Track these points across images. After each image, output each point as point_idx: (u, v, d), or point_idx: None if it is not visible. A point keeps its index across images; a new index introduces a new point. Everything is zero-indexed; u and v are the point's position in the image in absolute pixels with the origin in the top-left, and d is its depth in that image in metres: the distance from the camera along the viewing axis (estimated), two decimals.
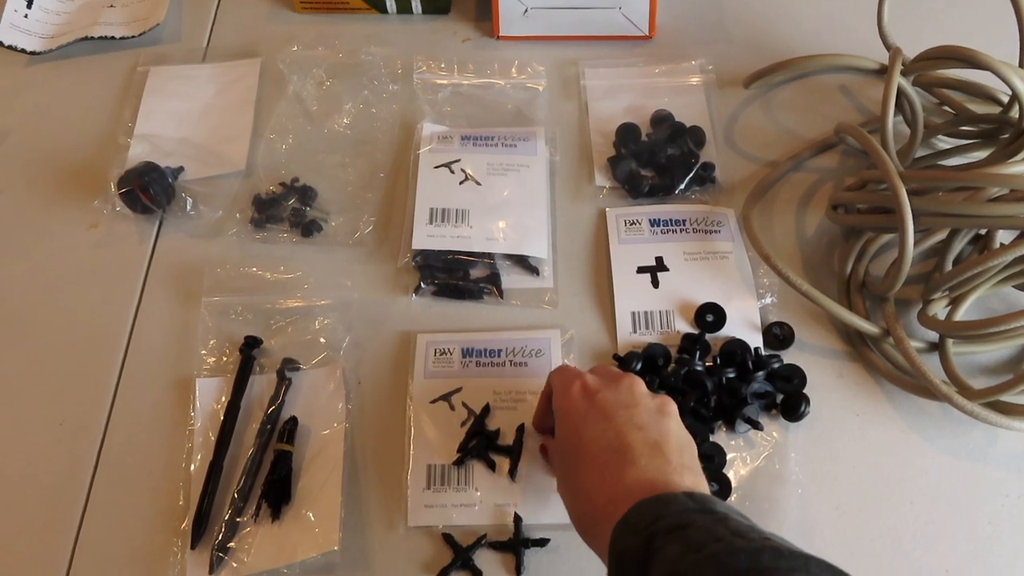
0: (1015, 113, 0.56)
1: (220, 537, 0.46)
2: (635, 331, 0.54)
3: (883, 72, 0.63)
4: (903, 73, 0.58)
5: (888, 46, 0.61)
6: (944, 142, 0.62)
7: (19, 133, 0.64)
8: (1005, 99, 0.59)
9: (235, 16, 0.71)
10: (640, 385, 0.43)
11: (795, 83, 0.66)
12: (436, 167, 0.59)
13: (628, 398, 0.41)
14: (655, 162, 0.60)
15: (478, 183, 0.59)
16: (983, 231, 0.55)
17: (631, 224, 0.58)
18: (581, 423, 0.41)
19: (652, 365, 0.52)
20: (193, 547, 0.46)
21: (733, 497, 0.48)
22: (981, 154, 0.60)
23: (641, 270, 0.56)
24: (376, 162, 0.61)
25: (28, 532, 0.47)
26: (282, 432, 0.49)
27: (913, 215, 0.50)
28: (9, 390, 0.52)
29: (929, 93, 0.63)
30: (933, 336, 0.54)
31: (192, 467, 0.48)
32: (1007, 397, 0.49)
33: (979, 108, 0.62)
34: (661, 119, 0.63)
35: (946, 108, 0.63)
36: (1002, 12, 0.55)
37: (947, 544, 0.47)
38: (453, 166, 0.59)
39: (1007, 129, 0.58)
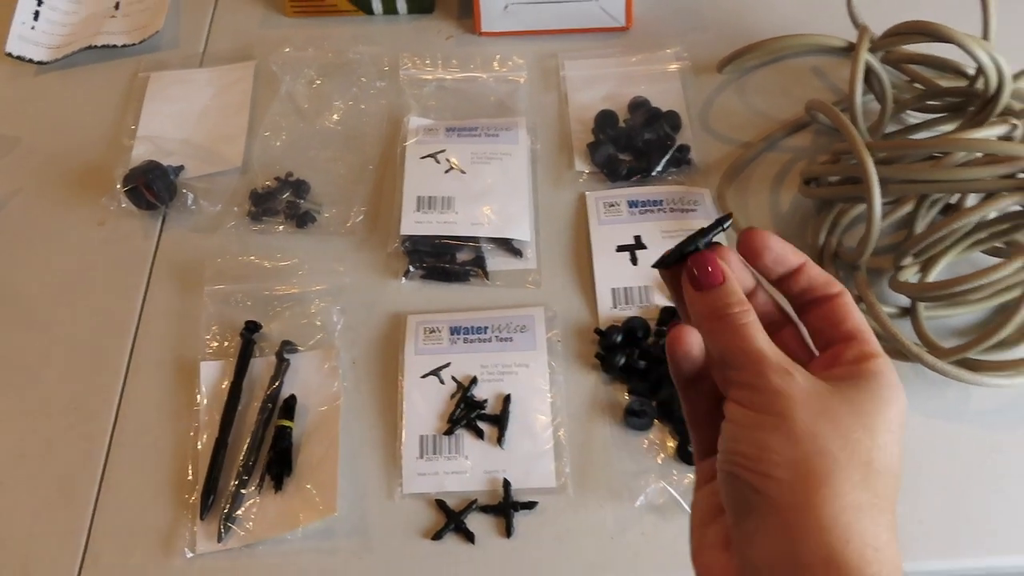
0: (981, 85, 0.58)
1: (227, 508, 0.48)
2: (615, 306, 0.56)
3: (852, 50, 0.65)
4: (871, 50, 0.61)
5: (856, 25, 0.63)
6: (914, 117, 0.64)
7: (30, 139, 0.67)
8: (971, 72, 0.61)
9: (230, 22, 0.74)
10: None
11: (768, 67, 0.69)
12: (422, 158, 0.62)
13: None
14: (632, 146, 0.63)
15: (463, 172, 0.61)
16: (953, 200, 0.58)
17: (610, 206, 0.61)
18: (899, 452, 0.27)
19: (633, 337, 0.54)
20: (202, 518, 0.48)
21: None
22: (950, 127, 0.62)
23: (620, 248, 0.59)
24: (365, 155, 0.64)
25: (48, 510, 0.50)
26: (282, 409, 0.52)
27: (881, 183, 0.53)
28: (26, 378, 0.55)
29: (898, 70, 0.65)
30: (905, 302, 0.56)
31: (199, 445, 0.51)
32: (975, 354, 0.52)
33: (946, 82, 0.64)
34: (638, 105, 0.65)
35: (916, 84, 0.65)
36: None
37: (922, 497, 0.49)
38: (439, 156, 0.62)
39: (974, 101, 0.60)
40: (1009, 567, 0.48)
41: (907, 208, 0.58)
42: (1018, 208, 0.54)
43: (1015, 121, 0.55)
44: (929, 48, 0.61)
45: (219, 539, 0.48)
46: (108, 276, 0.59)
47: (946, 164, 0.53)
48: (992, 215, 0.55)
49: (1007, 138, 0.55)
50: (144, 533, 0.49)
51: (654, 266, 0.31)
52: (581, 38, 0.70)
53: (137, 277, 0.59)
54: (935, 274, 0.55)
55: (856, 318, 0.30)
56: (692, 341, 0.31)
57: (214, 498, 0.49)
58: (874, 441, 0.27)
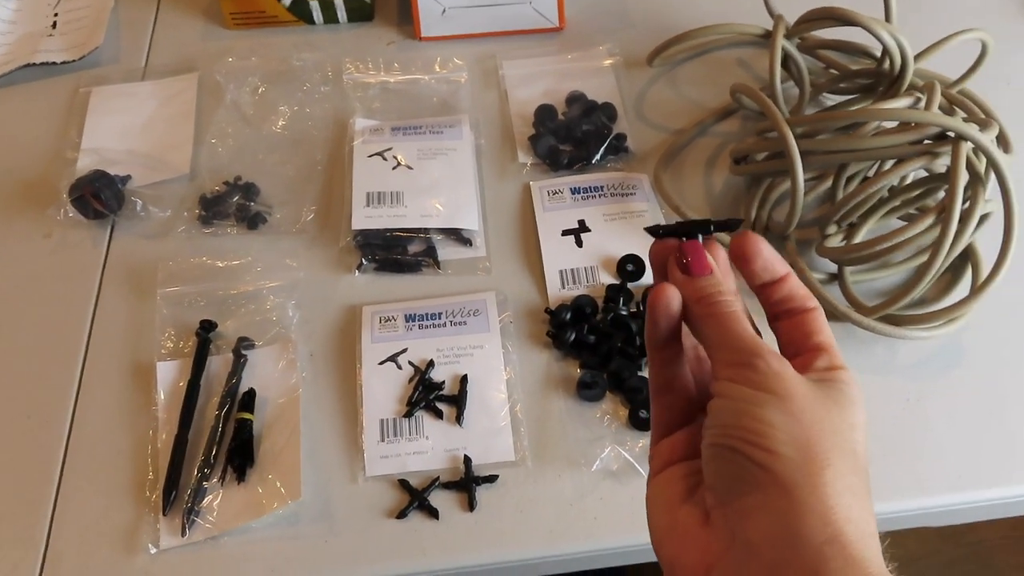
0: (887, 65, 0.63)
1: (190, 502, 0.49)
2: (564, 287, 0.58)
3: (769, 38, 0.70)
4: (787, 37, 0.65)
5: (772, 14, 0.67)
6: (830, 99, 0.69)
7: None
8: (878, 54, 0.65)
9: (170, 36, 0.75)
10: None
11: (695, 60, 0.73)
12: (370, 156, 0.64)
13: None
14: (572, 137, 0.66)
15: (410, 167, 0.63)
16: (871, 172, 0.62)
17: (554, 194, 0.63)
18: (865, 464, 0.28)
19: (581, 315, 0.57)
20: (164, 513, 0.48)
21: None
22: (862, 106, 0.67)
23: (566, 232, 0.61)
24: (313, 157, 0.65)
25: (6, 517, 0.50)
26: (242, 403, 0.52)
27: (802, 156, 0.56)
28: None
29: (813, 56, 0.70)
30: (833, 269, 0.59)
31: (159, 443, 0.51)
32: (896, 311, 0.55)
33: (857, 65, 0.68)
34: (575, 99, 0.68)
35: (830, 69, 0.70)
36: None
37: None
38: (386, 154, 0.64)
39: (882, 81, 0.65)
40: (938, 505, 0.51)
41: (829, 182, 0.62)
42: (926, 173, 0.58)
43: (919, 95, 0.60)
44: (840, 33, 0.66)
45: (183, 533, 0.48)
46: (58, 286, 0.59)
47: (860, 134, 0.57)
48: (909, 179, 0.59)
49: (913, 108, 0.59)
50: (106, 532, 0.49)
51: (646, 229, 0.32)
52: (518, 39, 0.73)
53: (88, 285, 0.59)
54: (858, 240, 0.59)
55: (827, 332, 0.31)
56: (673, 300, 0.31)
57: (176, 493, 0.49)
58: (853, 435, 0.28)
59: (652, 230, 0.32)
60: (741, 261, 0.31)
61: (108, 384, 0.55)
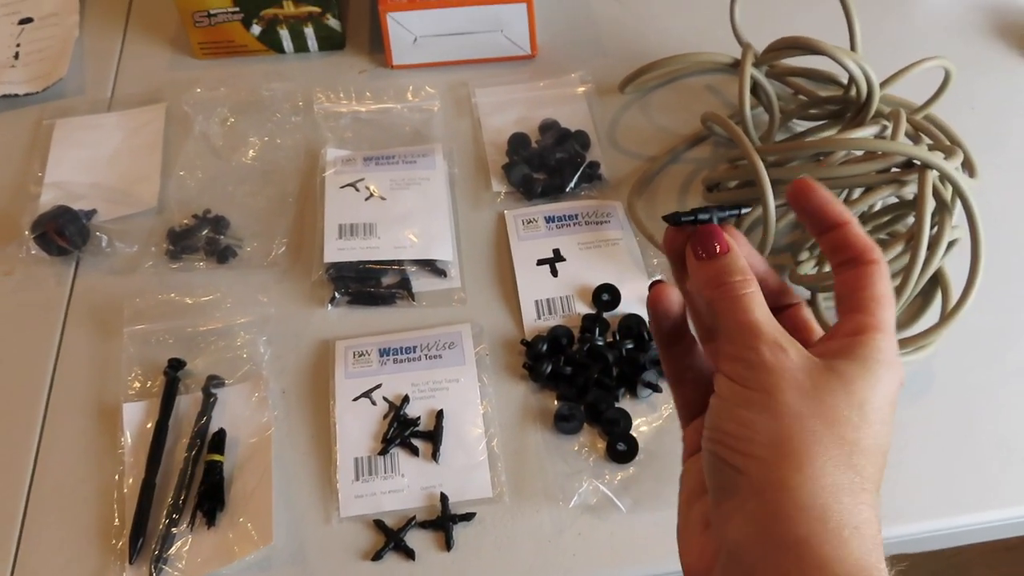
0: (853, 93, 0.64)
1: (157, 550, 0.47)
2: (539, 317, 0.58)
3: (738, 66, 0.70)
4: (756, 65, 0.66)
5: (740, 43, 0.68)
6: (800, 125, 0.70)
7: None
8: (845, 80, 0.66)
9: (137, 66, 0.74)
10: None
11: (666, 87, 0.73)
12: (342, 187, 0.63)
13: None
14: (546, 165, 0.66)
15: (383, 198, 0.63)
16: (840, 195, 0.62)
17: (528, 222, 0.63)
18: (889, 432, 0.28)
19: (558, 345, 0.56)
20: (131, 562, 0.47)
21: (641, 456, 0.52)
22: (831, 133, 0.67)
23: (541, 262, 0.61)
24: (285, 188, 0.64)
25: None
26: (211, 444, 0.51)
27: (773, 184, 0.57)
28: None
29: (782, 83, 0.71)
30: (806, 295, 0.60)
31: (125, 488, 0.50)
32: None
33: (825, 92, 0.69)
34: (548, 126, 0.68)
35: (799, 96, 0.71)
36: (836, 6, 0.63)
37: None
38: (358, 184, 0.63)
39: (850, 108, 0.66)
40: (917, 532, 0.51)
41: None
42: (895, 200, 0.59)
43: (885, 122, 0.61)
44: (808, 61, 0.67)
45: None
46: (19, 325, 0.58)
47: (829, 163, 0.58)
48: (878, 206, 0.60)
49: (880, 137, 0.60)
50: None
51: (664, 218, 0.32)
52: (490, 67, 0.73)
53: (51, 324, 0.58)
54: (830, 267, 0.59)
55: (876, 289, 0.28)
56: (672, 298, 0.31)
57: (143, 540, 0.48)
58: (863, 418, 0.27)
59: (670, 219, 0.31)
60: (797, 200, 0.30)
61: (72, 427, 0.53)
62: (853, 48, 0.65)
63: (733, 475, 0.27)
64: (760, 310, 0.28)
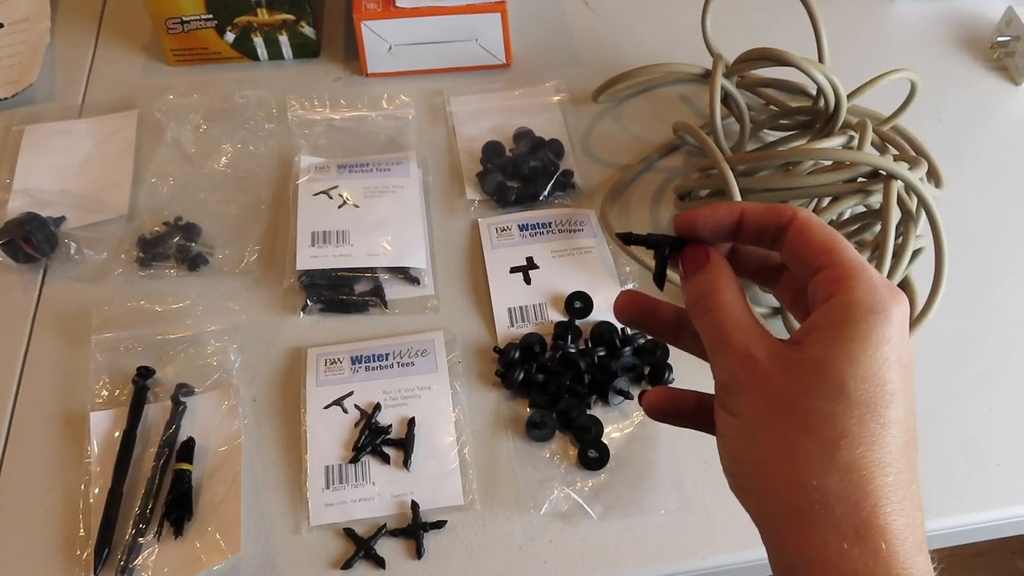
0: (822, 104, 0.65)
1: (123, 560, 0.47)
2: (512, 324, 0.58)
3: (709, 76, 0.71)
4: (727, 75, 0.67)
5: (712, 53, 0.69)
6: (770, 135, 0.71)
7: None
8: (813, 92, 0.67)
9: (109, 72, 0.73)
10: None
11: (640, 96, 0.74)
12: (315, 194, 0.63)
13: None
14: (520, 173, 0.66)
15: (356, 206, 0.62)
16: (810, 208, 0.63)
17: (502, 231, 0.63)
18: (891, 396, 0.25)
19: (530, 353, 0.57)
20: (96, 572, 0.46)
21: (612, 462, 0.53)
22: (801, 143, 0.68)
23: (514, 270, 0.61)
24: (257, 196, 0.64)
25: None
26: (180, 453, 0.51)
27: (742, 193, 0.58)
28: None
29: (753, 93, 0.72)
30: (775, 303, 0.61)
31: (91, 498, 0.49)
32: None
33: (795, 103, 0.70)
34: (522, 135, 0.69)
35: (770, 106, 0.72)
36: (806, 18, 0.64)
37: None
38: (332, 192, 0.63)
39: (819, 118, 0.67)
40: None
41: None
42: (863, 209, 0.60)
43: (852, 132, 0.62)
44: (778, 72, 0.68)
45: None
46: None
47: (798, 173, 0.59)
48: (847, 215, 0.60)
49: (847, 148, 0.61)
50: None
51: (618, 235, 0.33)
52: (465, 75, 0.74)
53: (17, 332, 0.57)
54: None
55: (816, 239, 0.26)
56: (637, 302, 0.32)
57: (109, 551, 0.47)
58: (847, 404, 0.24)
59: (624, 238, 0.32)
60: (689, 232, 0.29)
61: (38, 436, 0.52)
62: (821, 60, 0.66)
63: (747, 504, 0.28)
64: (729, 317, 0.28)
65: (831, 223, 0.60)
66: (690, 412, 0.32)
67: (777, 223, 0.28)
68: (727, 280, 0.29)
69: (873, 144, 0.61)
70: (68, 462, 0.51)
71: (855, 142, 0.61)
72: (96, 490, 0.50)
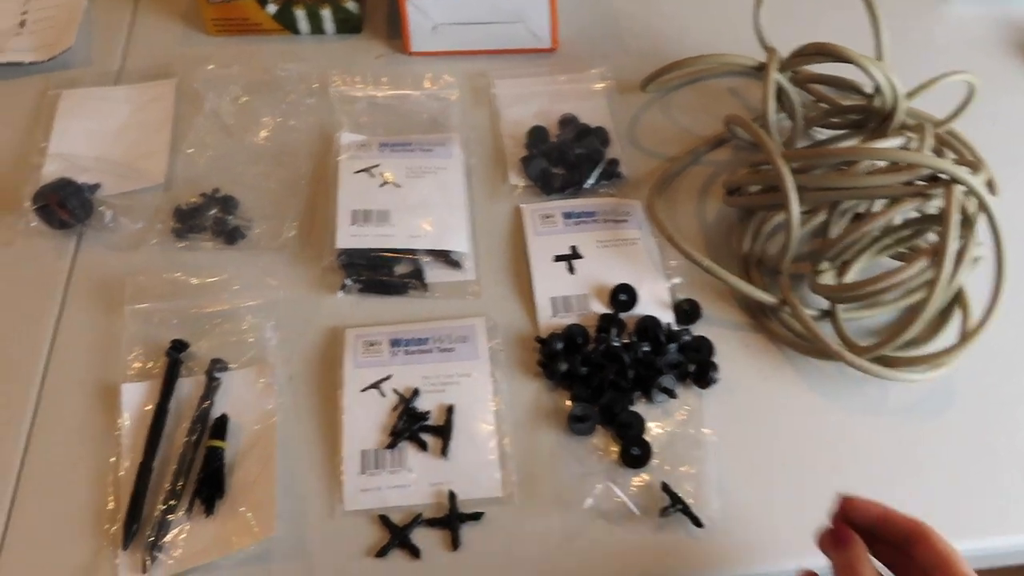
0: (878, 102, 0.63)
1: (152, 536, 0.45)
2: (555, 314, 0.57)
3: (762, 70, 0.70)
4: (780, 70, 0.65)
5: (764, 47, 0.67)
6: (821, 133, 0.69)
7: None
8: (869, 90, 0.65)
9: (147, 40, 0.72)
10: None
11: (688, 87, 0.72)
12: (356, 172, 0.61)
13: None
14: (564, 160, 0.64)
15: (398, 185, 0.61)
16: (862, 210, 0.61)
17: (545, 218, 0.62)
18: None
19: (573, 344, 0.55)
20: (125, 548, 0.45)
21: (654, 461, 0.51)
22: (853, 142, 0.66)
23: (558, 258, 0.59)
24: (297, 171, 0.62)
25: None
26: (213, 429, 0.49)
27: (797, 191, 0.56)
28: None
29: (805, 90, 0.70)
30: (825, 304, 0.59)
31: (121, 471, 0.48)
32: (889, 351, 0.54)
33: (848, 101, 0.68)
34: (567, 121, 0.67)
35: (821, 103, 0.70)
36: (863, 14, 0.62)
37: (848, 491, 0.51)
38: (373, 170, 0.62)
39: (873, 118, 0.65)
40: None
41: (821, 217, 0.61)
42: (917, 215, 0.58)
43: (910, 134, 0.60)
44: (832, 68, 0.66)
45: (144, 570, 0.45)
46: (16, 299, 0.56)
47: (854, 172, 0.57)
48: (897, 220, 0.59)
49: (905, 149, 0.59)
50: (60, 569, 0.45)
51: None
52: (510, 58, 0.72)
53: (50, 299, 0.56)
54: (849, 278, 0.58)
55: (932, 562, 0.38)
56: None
57: (138, 526, 0.46)
58: None
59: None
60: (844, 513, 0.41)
61: (68, 406, 0.51)
62: (879, 57, 0.64)
63: None
64: None
65: (886, 231, 0.58)
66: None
67: (909, 537, 0.39)
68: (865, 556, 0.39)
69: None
70: (99, 433, 0.50)
71: (913, 144, 0.59)
72: (127, 463, 0.48)
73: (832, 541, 0.40)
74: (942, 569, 0.37)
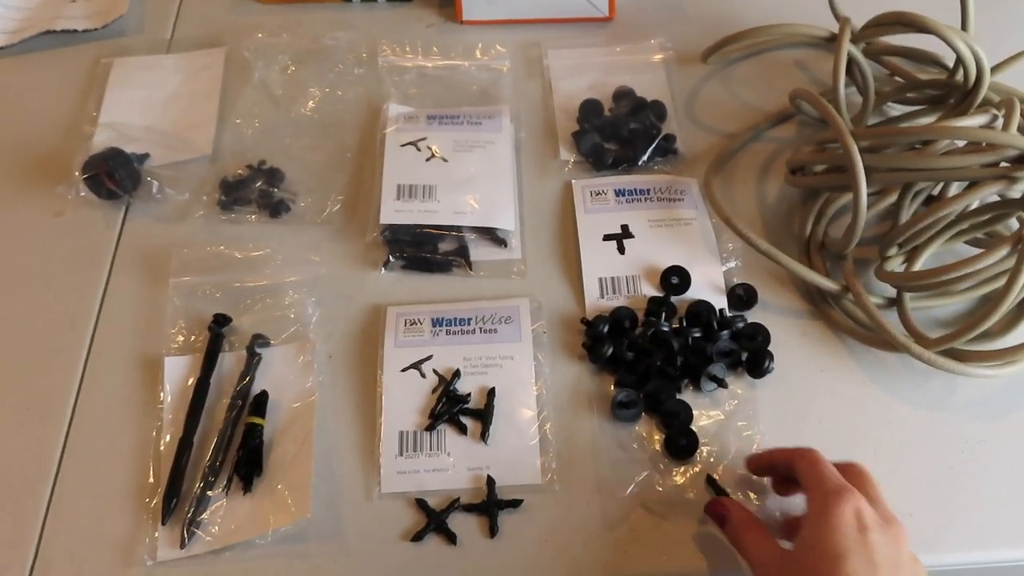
0: (960, 77, 0.58)
1: (191, 512, 0.46)
2: (603, 296, 0.55)
3: (834, 41, 0.65)
4: (853, 41, 0.60)
5: (837, 16, 0.63)
6: (894, 109, 0.64)
7: None
8: (950, 64, 0.61)
9: (198, 8, 0.71)
10: (906, 541, 0.40)
11: (751, 59, 0.68)
12: (403, 145, 0.60)
13: (895, 554, 0.39)
14: (618, 135, 0.62)
15: (445, 160, 0.59)
16: (935, 192, 0.57)
17: (596, 195, 0.59)
18: (844, 553, 0.38)
19: (620, 327, 0.53)
20: (164, 523, 0.45)
21: (703, 451, 0.49)
22: (930, 119, 0.62)
23: (607, 238, 0.57)
24: (343, 143, 0.61)
25: None
26: (253, 406, 0.49)
27: (866, 171, 0.52)
28: None
29: (878, 63, 0.65)
30: (891, 292, 0.55)
31: (162, 445, 0.48)
32: (960, 345, 0.51)
33: (926, 75, 0.64)
34: (623, 95, 0.64)
35: (896, 77, 0.65)
36: None
37: (910, 490, 0.48)
38: (420, 144, 0.60)
39: (954, 93, 0.60)
40: (997, 560, 0.47)
41: (891, 198, 0.57)
42: (998, 198, 0.54)
43: (996, 111, 0.55)
44: (909, 40, 0.61)
45: (182, 545, 0.45)
46: (66, 269, 0.56)
47: (930, 152, 0.53)
48: (975, 204, 0.54)
49: (988, 127, 0.55)
50: (101, 540, 0.46)
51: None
52: (564, 27, 0.69)
53: (97, 269, 0.56)
54: (919, 265, 0.55)
55: (805, 476, 0.42)
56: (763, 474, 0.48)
57: (177, 501, 0.46)
58: (835, 563, 0.38)
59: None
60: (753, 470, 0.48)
61: (113, 377, 0.51)
62: (964, 28, 0.59)
63: None
64: (752, 545, 0.42)
65: (961, 215, 0.54)
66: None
67: (785, 463, 0.45)
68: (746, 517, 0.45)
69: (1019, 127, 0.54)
70: (141, 406, 0.50)
71: (999, 122, 0.54)
72: (167, 437, 0.48)
73: (715, 518, 0.45)
74: (809, 475, 0.42)
